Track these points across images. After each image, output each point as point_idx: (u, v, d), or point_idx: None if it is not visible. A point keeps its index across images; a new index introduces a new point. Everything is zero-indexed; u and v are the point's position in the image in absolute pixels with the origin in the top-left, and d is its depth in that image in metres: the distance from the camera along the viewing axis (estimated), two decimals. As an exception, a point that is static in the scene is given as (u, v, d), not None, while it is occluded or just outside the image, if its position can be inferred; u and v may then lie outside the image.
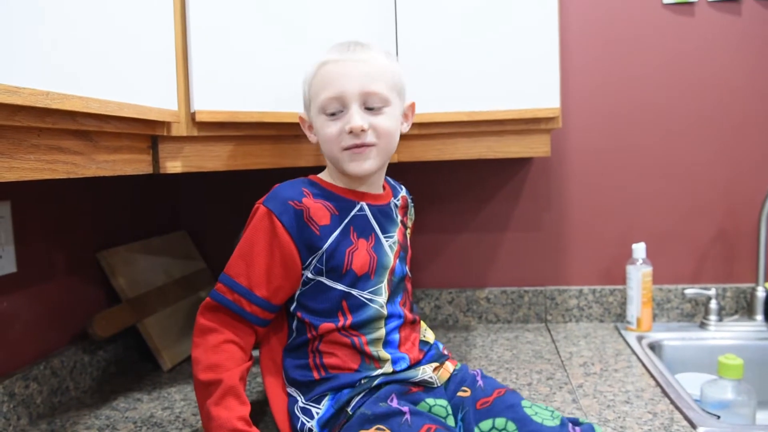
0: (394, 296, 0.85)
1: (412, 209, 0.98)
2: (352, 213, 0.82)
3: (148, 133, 0.79)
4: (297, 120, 0.96)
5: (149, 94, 0.77)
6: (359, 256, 0.81)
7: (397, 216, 0.89)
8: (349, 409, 0.77)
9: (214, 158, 0.90)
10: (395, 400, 0.75)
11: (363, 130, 0.78)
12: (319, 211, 0.79)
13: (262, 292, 0.78)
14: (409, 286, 0.91)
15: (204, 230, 1.46)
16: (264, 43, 0.92)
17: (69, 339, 1.07)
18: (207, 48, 0.85)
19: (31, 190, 0.99)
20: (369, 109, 0.80)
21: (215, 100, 0.86)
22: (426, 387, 0.81)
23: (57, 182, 0.90)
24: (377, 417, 0.72)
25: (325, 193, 0.82)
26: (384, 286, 0.83)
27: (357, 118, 0.78)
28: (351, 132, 0.78)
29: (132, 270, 1.19)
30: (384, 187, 0.90)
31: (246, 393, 0.78)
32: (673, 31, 1.32)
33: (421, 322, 0.92)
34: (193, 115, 0.84)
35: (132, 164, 0.78)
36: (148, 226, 1.34)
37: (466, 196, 1.40)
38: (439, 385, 0.82)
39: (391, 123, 0.82)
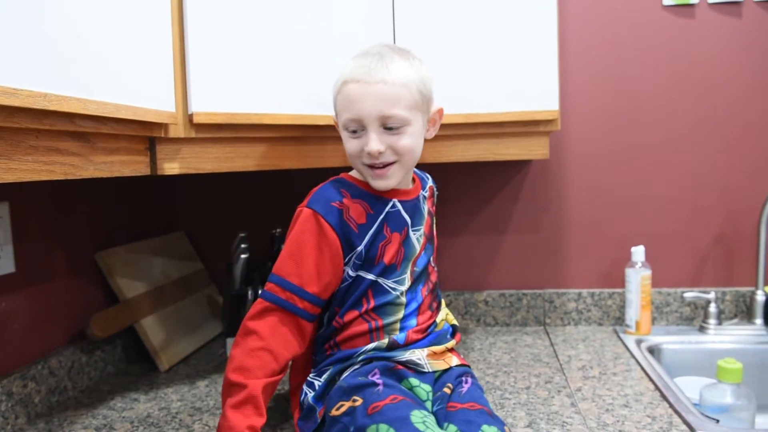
0: (416, 284, 0.89)
1: (436, 196, 1.02)
2: (386, 210, 0.86)
3: (146, 134, 0.79)
4: (296, 122, 0.97)
5: (147, 95, 0.77)
6: (390, 249, 0.85)
7: (425, 207, 0.92)
8: (337, 384, 0.80)
9: (212, 160, 0.90)
10: (377, 375, 0.78)
11: (381, 153, 0.81)
12: (356, 211, 0.83)
13: (313, 288, 0.81)
14: (433, 275, 0.94)
15: (202, 231, 1.46)
16: (262, 45, 0.92)
17: (67, 339, 1.08)
18: (205, 49, 0.85)
19: (30, 190, 0.99)
20: (389, 128, 0.82)
21: (213, 101, 0.86)
22: (415, 370, 0.82)
23: (56, 183, 0.90)
24: (353, 388, 0.76)
25: (360, 192, 0.85)
26: (407, 276, 0.87)
27: (374, 143, 0.81)
28: (369, 154, 0.81)
29: (130, 270, 1.19)
30: (414, 180, 0.93)
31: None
32: (673, 33, 1.32)
33: (443, 305, 0.97)
34: (190, 117, 0.84)
35: (129, 165, 0.78)
36: (147, 226, 1.34)
37: (465, 198, 1.40)
38: (429, 371, 0.83)
39: (412, 140, 0.84)
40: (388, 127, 0.82)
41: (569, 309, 1.37)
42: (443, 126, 1.09)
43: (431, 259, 0.94)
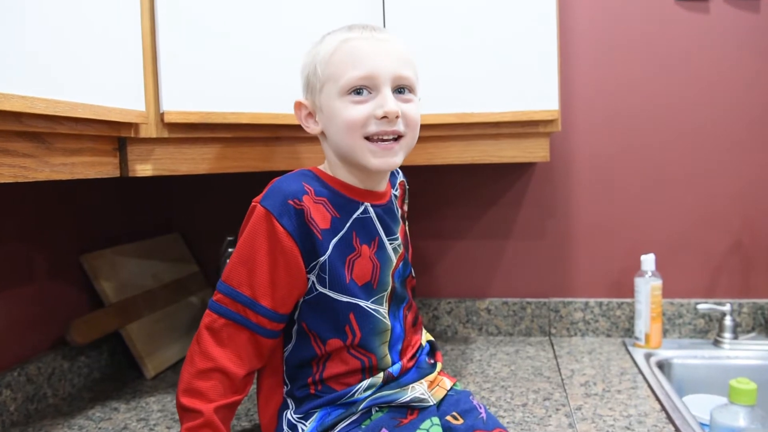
0: (398, 303, 0.81)
1: (407, 193, 0.92)
2: (355, 215, 0.75)
3: (114, 134, 0.76)
4: (277, 122, 0.92)
5: (115, 93, 0.73)
6: (360, 265, 0.75)
7: (397, 210, 0.83)
8: None
9: (187, 161, 0.87)
10: None
11: (397, 117, 0.71)
12: (319, 213, 0.71)
13: (267, 301, 0.70)
14: (410, 289, 0.86)
15: (198, 233, 1.43)
16: (240, 40, 0.88)
17: (49, 344, 1.05)
18: (178, 44, 0.82)
19: (9, 189, 0.97)
20: (399, 92, 0.73)
21: (187, 99, 0.82)
22: (420, 409, 0.75)
23: (39, 183, 0.88)
24: None
25: (327, 190, 0.74)
26: (386, 295, 0.78)
27: (392, 102, 0.71)
28: (385, 117, 0.71)
29: (118, 273, 1.16)
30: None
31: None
32: (685, 29, 1.25)
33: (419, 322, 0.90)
34: (161, 116, 0.81)
35: (95, 167, 0.75)
36: (141, 228, 1.31)
37: (466, 201, 1.35)
38: (433, 403, 0.77)
39: (418, 113, 0.76)
40: (400, 90, 0.73)
41: (576, 319, 1.31)
42: (437, 127, 1.05)
43: (411, 270, 0.85)
